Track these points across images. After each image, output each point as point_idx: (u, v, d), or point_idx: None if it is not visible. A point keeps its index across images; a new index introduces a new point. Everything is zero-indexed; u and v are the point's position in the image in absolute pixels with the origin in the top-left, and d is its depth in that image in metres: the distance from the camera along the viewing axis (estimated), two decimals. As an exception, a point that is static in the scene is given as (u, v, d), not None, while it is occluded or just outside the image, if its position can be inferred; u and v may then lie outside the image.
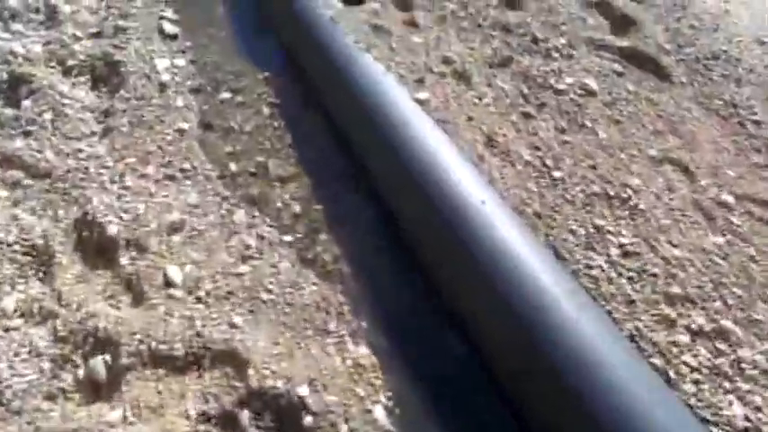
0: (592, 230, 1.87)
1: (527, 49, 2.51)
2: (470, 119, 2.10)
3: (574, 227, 1.87)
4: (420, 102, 2.08)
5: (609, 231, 1.87)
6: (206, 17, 2.87)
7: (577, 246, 1.82)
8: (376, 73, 2.18)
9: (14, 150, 2.06)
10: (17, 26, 2.57)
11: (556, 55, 2.48)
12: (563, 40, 2.56)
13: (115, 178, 2.01)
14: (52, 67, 2.43)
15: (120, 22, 2.69)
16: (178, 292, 1.72)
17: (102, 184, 1.99)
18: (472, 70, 2.32)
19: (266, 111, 2.39)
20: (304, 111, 2.37)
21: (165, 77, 2.43)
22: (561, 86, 2.31)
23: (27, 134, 2.11)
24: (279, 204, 2.04)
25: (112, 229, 1.85)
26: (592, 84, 2.35)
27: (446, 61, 2.35)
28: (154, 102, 2.33)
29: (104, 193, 1.96)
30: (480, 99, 2.21)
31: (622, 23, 2.76)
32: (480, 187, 1.77)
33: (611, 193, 1.98)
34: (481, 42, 2.51)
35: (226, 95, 2.43)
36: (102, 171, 2.04)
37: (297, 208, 2.03)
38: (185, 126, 2.25)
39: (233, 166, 2.15)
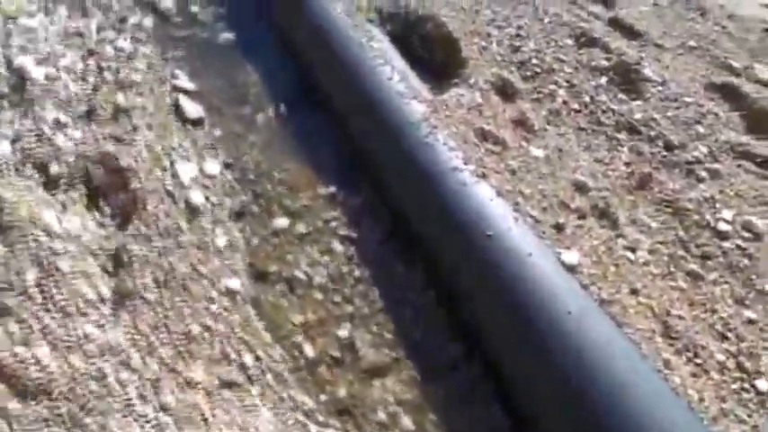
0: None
1: (664, 162, 2.01)
2: (635, 292, 1.58)
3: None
4: (571, 268, 1.55)
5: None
6: (231, 81, 2.17)
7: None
8: (505, 217, 1.62)
9: (-15, 345, 1.39)
10: (-30, 105, 1.81)
11: (700, 172, 1.98)
12: (702, 148, 2.06)
13: (146, 392, 1.38)
14: (29, 180, 1.71)
15: (120, 98, 1.97)
16: None
17: (127, 405, 1.35)
18: (613, 203, 1.80)
19: (339, 248, 1.78)
20: (391, 250, 1.79)
21: (196, 196, 1.77)
22: (722, 226, 1.83)
23: (2, 314, 1.43)
24: (381, 415, 1.48)
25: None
26: (756, 222, 1.88)
27: (580, 188, 1.81)
28: (183, 239, 1.67)
29: (135, 422, 1.33)
30: (634, 251, 1.70)
31: (758, 117, 2.28)
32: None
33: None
34: (609, 153, 1.97)
35: (282, 223, 1.79)
36: (124, 377, 1.39)
37: (407, 421, 1.48)
38: (234, 283, 1.62)
39: (308, 349, 1.55)
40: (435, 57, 2.19)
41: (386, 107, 1.86)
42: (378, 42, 2.05)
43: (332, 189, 1.89)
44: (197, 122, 1.99)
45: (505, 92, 2.04)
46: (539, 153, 1.87)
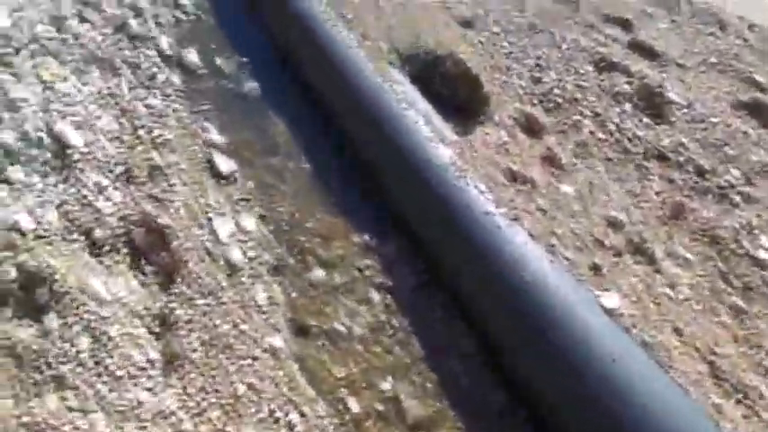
0: None
1: (697, 189, 1.99)
2: (678, 332, 1.57)
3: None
4: (611, 312, 1.55)
5: None
6: (259, 131, 2.23)
7: None
8: (541, 261, 1.63)
9: (47, 415, 1.44)
10: (17, 174, 1.88)
11: (734, 197, 1.96)
12: (734, 171, 2.04)
13: (201, 456, 1.42)
14: (75, 245, 1.78)
15: (155, 157, 2.03)
16: None
17: (183, 470, 1.40)
18: (648, 238, 1.79)
19: (376, 297, 1.81)
20: (428, 296, 1.81)
21: (234, 253, 1.81)
22: (761, 254, 1.81)
23: (59, 384, 1.49)
24: (429, 471, 1.49)
25: None
26: (796, 248, 1.86)
27: (613, 224, 1.81)
28: (225, 297, 1.72)
29: (191, 488, 1.37)
30: (673, 287, 1.69)
31: (788, 135, 2.26)
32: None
33: None
34: (640, 183, 1.97)
35: (318, 274, 1.83)
36: (179, 443, 1.44)
37: (455, 476, 1.49)
38: (277, 340, 1.66)
39: (353, 404, 1.58)
40: (458, 94, 2.22)
41: (413, 153, 1.89)
42: (400, 85, 2.09)
43: (365, 237, 1.93)
44: (229, 176, 2.04)
45: (531, 127, 2.06)
46: (569, 190, 1.87)
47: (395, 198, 1.94)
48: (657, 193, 1.94)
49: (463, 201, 1.77)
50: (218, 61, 2.48)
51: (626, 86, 2.32)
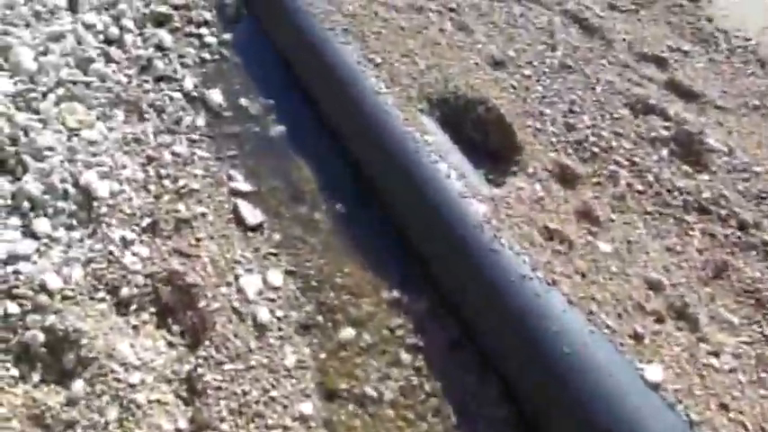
0: None
1: (740, 245, 1.93)
2: (724, 407, 1.51)
3: None
4: (655, 386, 1.49)
5: None
6: (286, 179, 2.20)
7: None
8: (581, 332, 1.58)
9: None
10: (42, 226, 1.87)
11: (779, 254, 1.90)
12: (778, 224, 1.98)
13: None
14: (101, 304, 1.76)
15: (181, 208, 2.02)
16: None
17: None
18: (691, 301, 1.73)
19: (407, 358, 1.77)
20: (461, 359, 1.76)
21: (262, 312, 1.78)
22: (811, 320, 1.73)
23: (88, 457, 1.47)
24: None
25: None
26: None
27: (653, 286, 1.75)
28: (253, 360, 1.69)
29: None
30: (718, 356, 1.63)
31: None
32: None
33: None
34: (680, 239, 1.91)
35: (347, 334, 1.79)
36: None
37: None
38: (307, 407, 1.62)
39: (386, 477, 1.55)
40: (490, 140, 2.18)
41: (446, 210, 1.85)
42: (431, 136, 2.05)
43: (395, 294, 1.89)
44: (256, 228, 2.02)
45: (565, 178, 2.01)
46: (607, 248, 1.82)
47: (426, 256, 1.90)
48: (699, 251, 1.88)
49: (498, 263, 1.73)
50: (244, 102, 2.47)
51: (663, 131, 2.26)
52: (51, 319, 1.68)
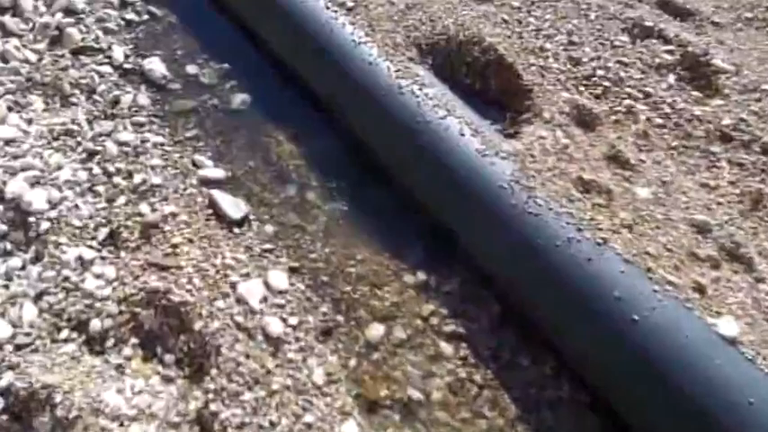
0: None
1: (768, 172, 1.83)
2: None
3: None
4: (732, 341, 1.37)
5: None
6: (263, 155, 1.85)
7: None
8: (648, 295, 1.42)
9: None
10: (-34, 260, 1.46)
11: (807, 175, 1.81)
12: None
13: None
14: (68, 346, 1.39)
15: (145, 210, 1.64)
16: None
17: None
18: (739, 239, 1.62)
19: (448, 349, 1.55)
20: (507, 340, 1.57)
21: (273, 323, 1.50)
22: None
23: None
24: None
25: None
26: None
27: (701, 229, 1.62)
28: (275, 382, 1.41)
29: None
30: (779, 294, 1.53)
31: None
32: None
33: None
34: (711, 173, 1.78)
35: (376, 332, 1.55)
36: None
37: None
38: (350, 427, 1.38)
39: (454, 491, 1.36)
40: (491, 86, 1.94)
41: (467, 172, 1.61)
42: (430, 88, 1.77)
43: (420, 276, 1.66)
44: (242, 222, 1.70)
45: (583, 120, 1.81)
46: (645, 193, 1.66)
47: (450, 228, 1.66)
48: (731, 183, 1.77)
49: (539, 226, 1.53)
50: (192, 70, 2.07)
51: (667, 56, 2.11)
52: (8, 378, 1.32)
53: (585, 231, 1.53)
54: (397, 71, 1.81)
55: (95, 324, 1.45)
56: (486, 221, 1.59)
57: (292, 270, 1.65)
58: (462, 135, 1.68)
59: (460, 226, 1.63)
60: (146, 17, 2.19)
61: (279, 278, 1.61)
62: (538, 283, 1.53)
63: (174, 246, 1.61)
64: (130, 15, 2.18)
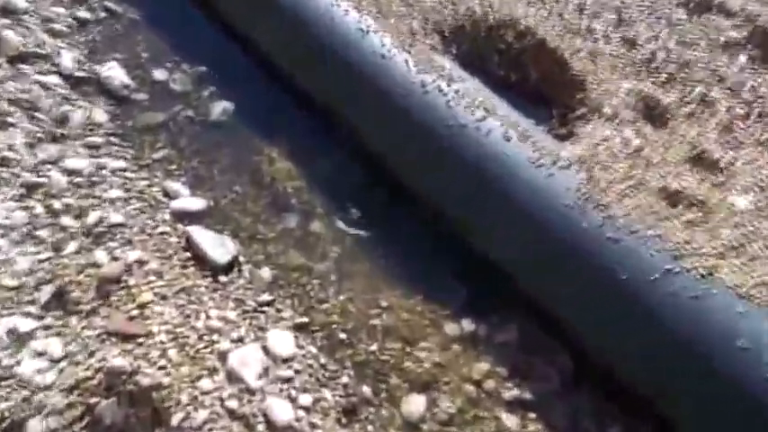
0: None
1: None
2: None
3: None
4: None
5: None
6: (253, 179, 1.47)
7: None
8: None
9: None
10: None
11: None
12: None
13: None
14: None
15: (102, 260, 1.26)
16: None
17: None
18: None
19: (514, 422, 1.17)
20: (588, 408, 1.21)
21: (278, 406, 1.12)
22: None
23: None
24: None
25: None
26: None
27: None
28: (287, 491, 1.05)
29: None
30: None
31: None
32: None
33: None
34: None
35: (416, 406, 1.18)
36: None
37: None
38: None
39: None
40: (530, 76, 1.58)
41: (518, 186, 1.25)
42: (459, 82, 1.42)
43: (466, 325, 1.30)
44: (230, 267, 1.33)
45: (652, 115, 1.46)
46: (744, 203, 1.31)
47: (503, 263, 1.30)
48: (840, 185, 1.43)
49: (625, 257, 1.18)
50: (160, 76, 1.69)
51: (733, 33, 1.77)
52: None
53: (685, 259, 1.18)
54: (417, 65, 1.46)
55: (34, 427, 1.08)
56: (549, 251, 1.23)
57: (299, 328, 1.27)
58: (508, 140, 1.32)
59: (516, 259, 1.27)
60: (103, 15, 1.79)
61: (282, 340, 1.23)
62: (625, 330, 1.17)
63: (142, 306, 1.23)
64: (84, 13, 1.79)
